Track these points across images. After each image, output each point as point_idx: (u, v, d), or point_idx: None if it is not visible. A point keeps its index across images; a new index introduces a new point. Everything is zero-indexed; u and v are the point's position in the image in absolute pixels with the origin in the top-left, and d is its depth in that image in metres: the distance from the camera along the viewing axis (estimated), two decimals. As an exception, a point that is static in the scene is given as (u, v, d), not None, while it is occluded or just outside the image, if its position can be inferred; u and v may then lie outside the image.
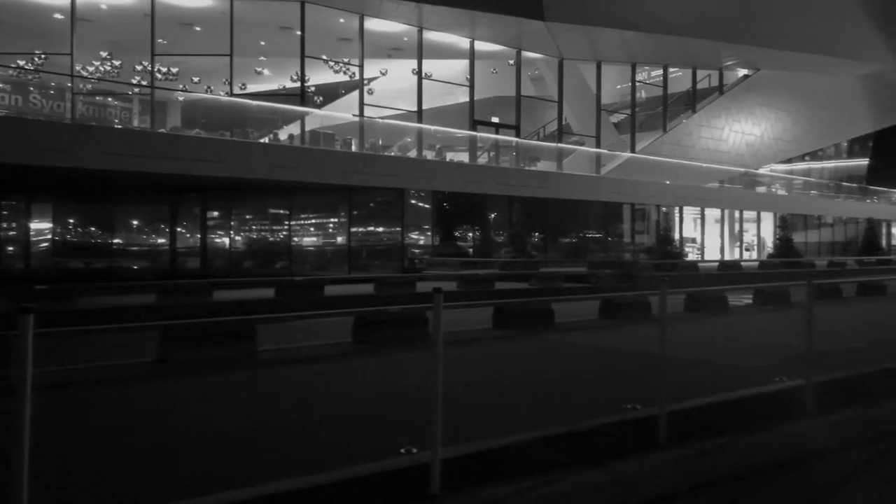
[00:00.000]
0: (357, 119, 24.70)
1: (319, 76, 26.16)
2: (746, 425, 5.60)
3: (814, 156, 68.61)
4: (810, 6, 32.09)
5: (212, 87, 24.71)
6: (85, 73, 22.03)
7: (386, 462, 4.02)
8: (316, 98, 26.60)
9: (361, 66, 24.71)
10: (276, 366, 7.78)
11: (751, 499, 4.67)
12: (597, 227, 31.20)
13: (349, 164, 22.09)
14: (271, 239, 24.77)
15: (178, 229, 24.09)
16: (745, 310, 13.97)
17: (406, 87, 26.66)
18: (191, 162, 18.84)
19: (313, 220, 25.39)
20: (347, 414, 5.50)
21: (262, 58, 26.70)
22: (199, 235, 24.23)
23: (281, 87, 26.36)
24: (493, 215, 28.01)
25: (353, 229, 24.02)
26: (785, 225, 34.76)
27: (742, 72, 35.19)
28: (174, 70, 23.13)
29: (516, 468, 4.31)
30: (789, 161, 53.95)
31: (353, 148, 24.68)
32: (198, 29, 24.12)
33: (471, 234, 27.50)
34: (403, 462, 4.03)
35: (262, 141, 22.42)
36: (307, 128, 24.04)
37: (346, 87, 26.96)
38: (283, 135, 24.68)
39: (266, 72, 26.91)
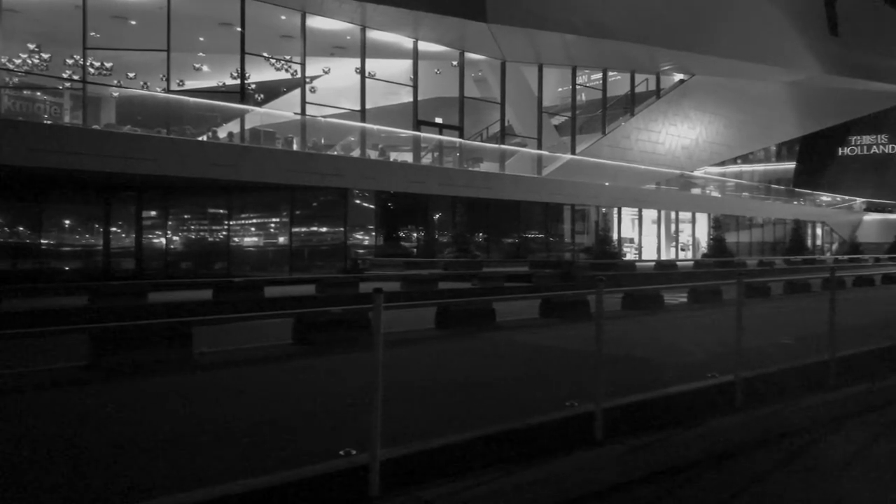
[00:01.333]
0: (299, 117, 24.39)
1: (260, 73, 25.72)
2: (681, 420, 5.76)
3: (745, 159, 71.30)
4: (742, 16, 33.31)
5: (148, 83, 24.01)
6: (11, 66, 21.10)
7: (324, 465, 3.99)
8: (257, 96, 26.14)
9: (303, 64, 24.42)
10: (213, 369, 7.62)
11: (684, 492, 4.82)
12: (538, 228, 31.63)
13: (291, 163, 21.79)
14: (210, 239, 24.23)
15: (113, 229, 23.32)
16: (680, 308, 14.40)
17: (349, 86, 26.48)
18: (124, 160, 18.25)
19: (254, 220, 24.95)
20: (287, 417, 5.43)
21: (200, 54, 26.09)
22: (134, 235, 23.50)
23: (220, 83, 25.81)
24: (436, 215, 28.08)
25: (295, 229, 23.70)
26: (718, 226, 36.00)
27: (678, 77, 36.22)
28: (108, 65, 22.37)
29: (456, 468, 4.34)
30: (722, 164, 55.92)
31: (295, 147, 24.35)
32: (133, 23, 23.40)
33: (415, 235, 27.49)
34: (342, 464, 4.00)
35: (200, 139, 21.90)
36: (247, 126, 23.60)
37: (287, 85, 26.60)
38: (222, 133, 24.17)
39: (205, 68, 26.30)
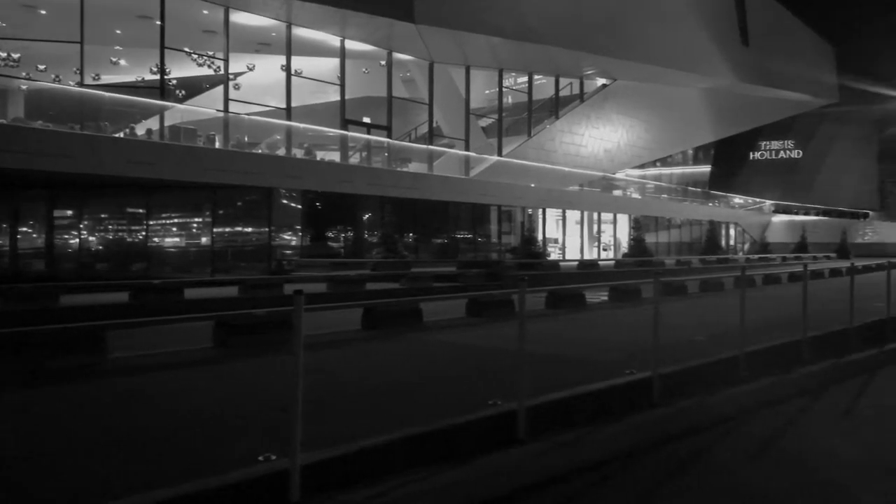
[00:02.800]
0: (222, 115, 23.77)
1: (182, 69, 24.95)
2: (601, 417, 5.91)
3: (664, 162, 73.94)
4: (661, 24, 34.53)
5: (60, 76, 22.90)
6: None
7: (242, 471, 3.89)
8: (178, 92, 25.35)
9: (227, 60, 23.81)
10: (128, 374, 7.33)
11: (603, 487, 4.96)
12: (466, 228, 31.89)
13: (213, 161, 21.21)
14: (128, 240, 23.29)
15: (22, 228, 22.11)
16: (601, 306, 14.79)
17: (275, 84, 26.00)
18: (34, 156, 17.32)
19: (174, 220, 24.15)
20: (204, 423, 5.27)
21: (117, 47, 25.10)
22: (45, 235, 22.35)
23: (139, 78, 24.92)
24: (365, 216, 27.91)
25: (218, 229, 23.08)
26: (638, 226, 37.20)
27: (601, 81, 37.22)
28: (15, 56, 21.22)
29: (380, 470, 4.32)
30: (642, 166, 57.83)
31: (218, 145, 23.73)
32: (43, 12, 22.29)
33: (342, 235, 27.23)
34: (261, 470, 3.92)
35: (117, 136, 21.04)
36: (168, 123, 22.84)
37: (210, 82, 25.92)
38: (140, 129, 23.32)
39: (123, 62, 25.33)
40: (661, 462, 5.47)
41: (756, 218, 58.67)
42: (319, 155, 27.91)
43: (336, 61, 27.37)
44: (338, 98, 27.27)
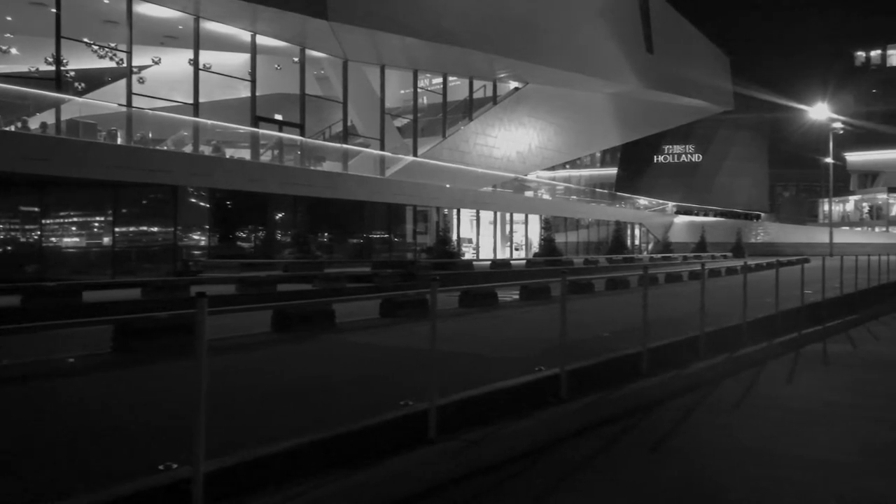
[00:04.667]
0: (125, 109, 22.72)
1: (81, 60, 23.68)
2: (511, 414, 6.02)
3: (573, 164, 76.20)
4: (571, 30, 35.52)
5: (-59, 65, 21.32)
6: None
7: (142, 481, 3.74)
8: (77, 84, 24.05)
9: (130, 53, 22.79)
10: (19, 382, 6.90)
11: (512, 484, 5.06)
12: (381, 228, 31.78)
13: (114, 157, 20.25)
14: (22, 240, 21.90)
15: None
16: (513, 304, 15.07)
17: (182, 78, 25.09)
18: None
19: (73, 219, 22.90)
20: (103, 431, 5.04)
21: (8, 35, 23.57)
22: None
23: (33, 69, 23.46)
24: (277, 215, 27.34)
25: (120, 229, 22.04)
26: (548, 226, 38.15)
27: (513, 84, 37.91)
28: None
29: (289, 474, 4.25)
30: (553, 168, 59.37)
31: (120, 140, 22.67)
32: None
33: (253, 235, 26.57)
34: (163, 479, 3.78)
35: (7, 129, 19.75)
36: (65, 116, 21.66)
37: (112, 75, 24.74)
38: (34, 123, 21.98)
39: (14, 51, 23.82)
40: (568, 457, 5.63)
41: (659, 219, 61.26)
42: (229, 152, 27.13)
43: (247, 56, 26.69)
44: (248, 94, 26.60)
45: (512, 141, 39.04)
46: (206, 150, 25.49)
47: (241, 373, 7.36)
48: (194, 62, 24.54)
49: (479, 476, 5.07)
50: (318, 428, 4.73)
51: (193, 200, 23.83)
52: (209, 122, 25.49)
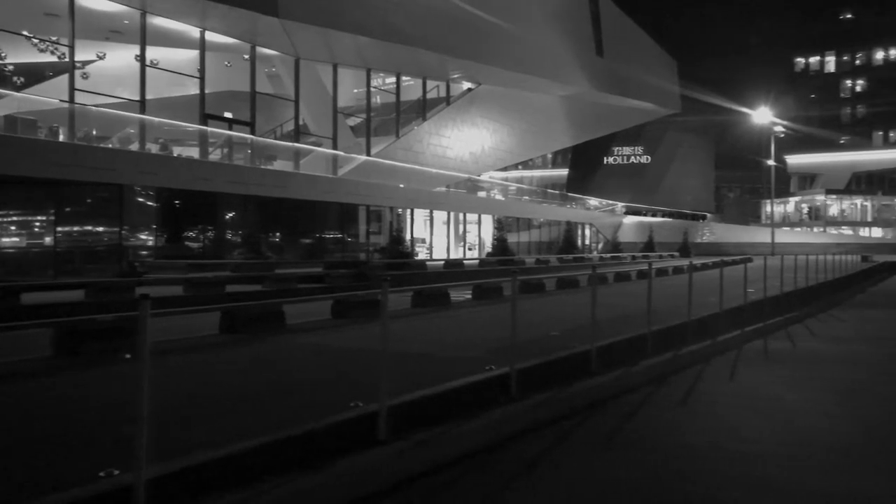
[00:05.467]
0: (67, 105, 22.02)
1: (19, 54, 22.88)
2: (462, 413, 6.05)
3: (525, 165, 76.96)
4: (523, 32, 35.87)
5: None
6: None
7: (81, 489, 3.63)
8: (15, 79, 23.21)
9: (72, 47, 22.11)
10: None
11: (462, 483, 5.09)
12: (334, 228, 31.53)
13: (56, 155, 19.61)
14: (-44, 240, 21.05)
15: None
16: (465, 304, 15.14)
17: (128, 74, 24.44)
18: None
19: (11, 218, 22.08)
20: (43, 439, 4.88)
21: (-61, 25, 22.57)
22: None
23: (-34, 62, 22.58)
24: (226, 215, 26.86)
25: (62, 228, 21.35)
26: (501, 227, 38.45)
27: (467, 85, 38.08)
28: None
29: (237, 479, 4.19)
30: (505, 169, 59.83)
31: (62, 138, 21.96)
32: None
33: (202, 235, 26.04)
34: (104, 486, 3.68)
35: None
36: (1, 112, 20.83)
37: (54, 69, 23.94)
38: (-32, 118, 21.13)
39: (-55, 43, 22.83)
40: (518, 455, 5.70)
41: (609, 219, 62.32)
42: (177, 151, 26.56)
43: (196, 53, 26.16)
44: (197, 91, 26.08)
45: (465, 141, 39.21)
46: (153, 148, 24.90)
47: (188, 376, 7.22)
48: (141, 58, 23.95)
49: (431, 476, 5.08)
50: (267, 431, 4.67)
51: (140, 199, 23.25)
52: (156, 119, 24.90)
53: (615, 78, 44.30)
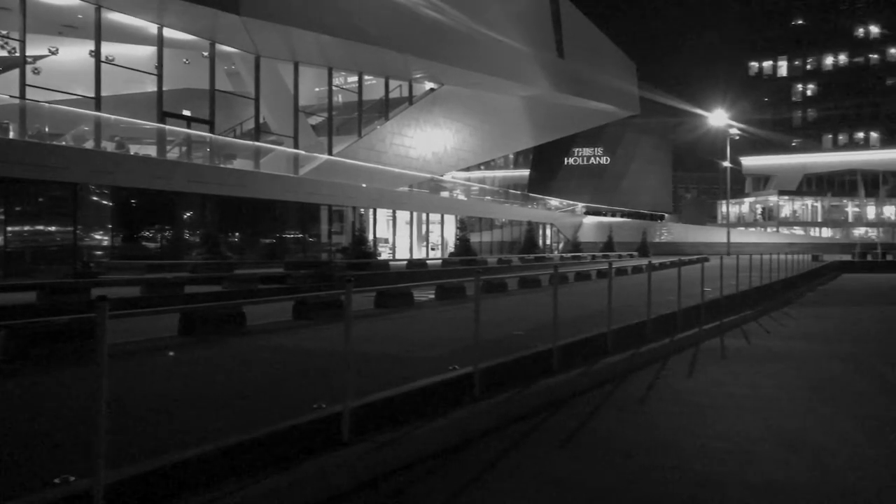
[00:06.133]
0: (18, 101, 21.41)
1: (-33, 47, 22.14)
2: (426, 414, 6.06)
3: (488, 165, 77.38)
4: (485, 33, 36.05)
5: None
6: None
7: (37, 495, 3.54)
8: (-39, 73, 22.47)
9: (23, 41, 21.51)
10: None
11: (424, 483, 5.11)
12: (295, 228, 31.25)
13: (6, 152, 19.06)
14: None
15: None
16: (428, 304, 15.15)
17: (82, 71, 23.88)
18: None
19: (-43, 218, 21.35)
20: (-6, 445, 4.74)
21: None
22: None
23: None
24: (185, 214, 26.42)
25: (12, 228, 20.75)
26: (464, 227, 38.55)
27: (429, 85, 38.11)
28: None
29: (197, 483, 4.13)
30: (468, 169, 60.06)
31: (12, 134, 21.34)
32: None
33: (160, 235, 25.56)
34: (59, 493, 3.59)
35: None
36: (-53, 107, 20.21)
37: (4, 64, 23.26)
38: None
39: None
40: (481, 454, 5.73)
41: (570, 219, 63.00)
42: (134, 149, 26.04)
43: (153, 49, 25.67)
44: (155, 89, 25.60)
45: (428, 141, 39.23)
46: (108, 146, 24.34)
47: (147, 379, 7.09)
48: (96, 54, 23.41)
49: (394, 476, 5.08)
50: (228, 433, 4.62)
51: (95, 199, 22.72)
52: (112, 116, 24.37)
53: (576, 80, 44.81)
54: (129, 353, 8.29)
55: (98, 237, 23.13)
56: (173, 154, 27.01)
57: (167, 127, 26.29)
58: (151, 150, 26.04)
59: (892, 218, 68.08)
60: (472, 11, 35.04)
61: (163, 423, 5.29)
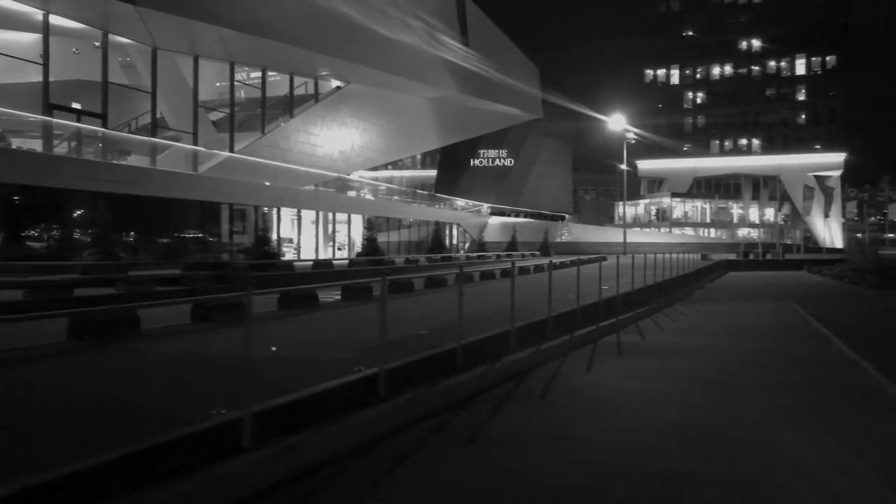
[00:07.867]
0: None
1: None
2: (331, 416, 6.00)
3: (395, 165, 77.35)
4: (392, 32, 36.00)
5: None
6: None
7: None
8: None
9: None
10: None
11: (329, 486, 5.08)
12: (194, 227, 30.13)
13: None
14: None
15: None
16: (334, 305, 15.00)
17: (-45, 57, 22.16)
18: None
19: None
20: None
21: None
22: None
23: None
24: (75, 213, 24.94)
25: None
26: (371, 226, 38.38)
27: (335, 83, 37.67)
28: None
29: (84, 497, 3.94)
30: (375, 169, 59.83)
31: None
32: None
33: (46, 235, 24.03)
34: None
35: None
36: None
37: None
38: None
39: None
40: (388, 454, 5.75)
41: (475, 219, 63.88)
42: (16, 143, 24.35)
43: (38, 37, 24.10)
44: (40, 79, 24.04)
45: (334, 140, 38.78)
46: (-14, 138, 22.69)
47: (31, 387, 6.67)
48: (-29, 39, 21.75)
49: (298, 481, 5.02)
50: (119, 444, 4.42)
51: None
52: (-10, 107, 22.73)
53: (481, 82, 45.48)
54: (11, 360, 7.78)
55: (-26, 237, 21.52)
56: (62, 149, 25.45)
57: (54, 120, 24.74)
58: (37, 145, 24.43)
59: (772, 220, 73.01)
60: (378, 10, 34.91)
61: (51, 433, 5.01)
